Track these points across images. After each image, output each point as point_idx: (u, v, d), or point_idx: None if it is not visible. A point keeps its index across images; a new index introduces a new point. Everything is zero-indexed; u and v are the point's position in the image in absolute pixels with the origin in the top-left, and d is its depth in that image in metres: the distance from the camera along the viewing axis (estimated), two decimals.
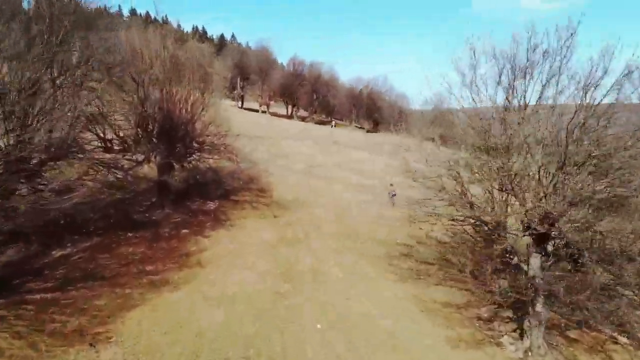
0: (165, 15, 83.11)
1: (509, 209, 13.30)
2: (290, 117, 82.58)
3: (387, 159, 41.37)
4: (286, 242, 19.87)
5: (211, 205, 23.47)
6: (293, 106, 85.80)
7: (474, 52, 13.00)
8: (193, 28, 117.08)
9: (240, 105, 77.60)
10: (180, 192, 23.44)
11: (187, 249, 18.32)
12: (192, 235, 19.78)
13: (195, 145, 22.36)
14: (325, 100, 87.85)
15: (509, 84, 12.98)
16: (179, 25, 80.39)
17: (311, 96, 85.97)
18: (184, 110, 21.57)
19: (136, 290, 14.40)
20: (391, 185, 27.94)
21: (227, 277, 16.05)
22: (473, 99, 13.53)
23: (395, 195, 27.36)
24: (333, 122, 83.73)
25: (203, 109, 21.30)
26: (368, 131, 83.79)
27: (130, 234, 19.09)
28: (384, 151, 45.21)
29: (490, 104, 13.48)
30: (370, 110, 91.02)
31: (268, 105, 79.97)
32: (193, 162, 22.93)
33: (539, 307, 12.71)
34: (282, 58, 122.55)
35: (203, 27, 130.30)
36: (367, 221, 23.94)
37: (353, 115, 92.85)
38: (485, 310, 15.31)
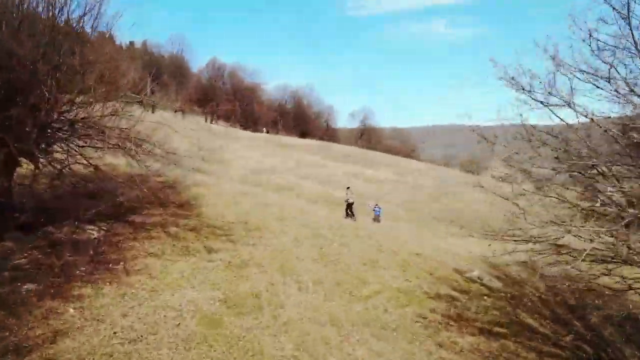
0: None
1: None
2: None
3: (343, 165, 33.89)
4: (236, 308, 10.49)
5: (92, 232, 12.90)
6: (212, 115, 75.56)
7: None
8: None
9: (152, 112, 65.58)
10: (34, 211, 12.93)
11: (24, 335, 8.33)
12: (43, 296, 9.59)
13: (60, 125, 12.17)
14: (249, 108, 79.29)
15: None
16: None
17: (233, 104, 76.70)
18: (40, 62, 11.34)
19: None
20: (348, 188, 23.99)
21: None
22: None
23: (378, 208, 23.40)
24: (264, 128, 75.93)
25: (74, 52, 11.18)
26: None
27: None
28: (336, 155, 37.72)
29: None
30: (298, 121, 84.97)
31: (183, 112, 68.87)
32: (57, 155, 12.57)
33: None
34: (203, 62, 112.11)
35: (110, 34, 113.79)
36: (360, 255, 14.93)
37: (279, 126, 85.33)
38: None
